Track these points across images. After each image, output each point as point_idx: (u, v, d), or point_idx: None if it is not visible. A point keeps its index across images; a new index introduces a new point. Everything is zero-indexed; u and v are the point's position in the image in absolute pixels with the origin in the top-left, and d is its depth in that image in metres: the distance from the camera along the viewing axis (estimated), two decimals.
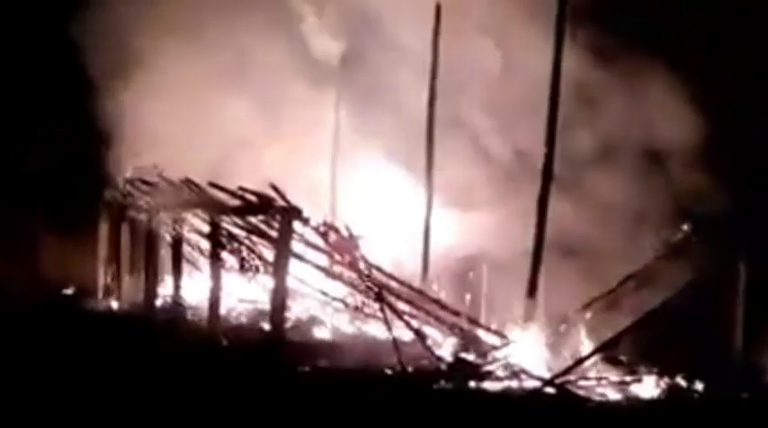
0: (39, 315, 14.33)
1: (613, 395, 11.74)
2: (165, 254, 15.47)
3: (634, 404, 11.46)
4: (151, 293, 15.40)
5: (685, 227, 12.88)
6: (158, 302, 15.55)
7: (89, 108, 16.36)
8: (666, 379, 11.89)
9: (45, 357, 11.60)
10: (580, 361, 12.11)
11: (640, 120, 13.58)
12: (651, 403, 11.49)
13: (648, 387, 11.84)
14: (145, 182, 15.49)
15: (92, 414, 9.47)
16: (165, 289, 15.56)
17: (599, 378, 12.02)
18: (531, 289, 13.42)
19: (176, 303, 14.87)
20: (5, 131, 17.58)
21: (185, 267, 15.27)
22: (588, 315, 12.85)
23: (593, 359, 12.12)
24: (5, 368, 10.98)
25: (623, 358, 12.15)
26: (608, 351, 12.03)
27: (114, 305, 16.53)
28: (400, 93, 15.83)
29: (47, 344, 12.25)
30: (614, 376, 12.06)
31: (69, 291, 17.35)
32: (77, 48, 16.64)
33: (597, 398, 11.60)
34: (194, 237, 15.51)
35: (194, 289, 15.59)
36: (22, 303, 14.77)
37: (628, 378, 11.98)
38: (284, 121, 16.22)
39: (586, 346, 12.43)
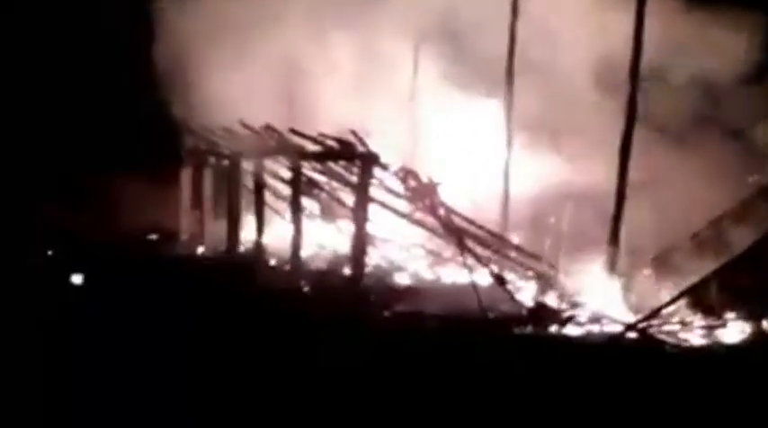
0: (125, 260, 14.64)
1: (697, 340, 11.61)
2: (247, 200, 15.60)
3: (718, 349, 11.32)
4: (234, 239, 15.61)
5: None
6: (241, 247, 15.74)
7: (170, 56, 16.47)
8: (752, 324, 11.72)
9: (132, 301, 11.86)
10: (663, 305, 11.99)
11: (729, 55, 13.21)
12: (735, 348, 11.33)
13: (733, 332, 11.68)
14: (227, 130, 15.63)
15: (176, 355, 9.72)
16: (247, 235, 15.74)
17: (682, 323, 11.89)
18: (614, 233, 13.28)
19: (259, 248, 15.04)
20: (84, 81, 17.83)
21: (267, 213, 15.42)
22: (673, 258, 12.68)
23: (676, 303, 11.98)
24: (96, 313, 11.31)
25: (708, 302, 11.97)
26: (692, 295, 11.87)
27: (198, 250, 16.78)
28: (479, 34, 15.63)
29: (134, 289, 12.50)
30: (698, 321, 11.92)
31: (154, 237, 17.65)
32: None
33: (680, 343, 11.49)
34: (275, 184, 15.64)
35: (276, 234, 15.75)
36: (108, 249, 15.08)
37: (712, 323, 11.83)
38: (363, 68, 16.16)
39: (670, 290, 12.28)
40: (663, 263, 12.74)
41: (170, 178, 17.37)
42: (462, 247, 13.09)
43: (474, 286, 12.49)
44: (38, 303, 11.61)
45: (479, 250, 13.55)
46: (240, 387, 8.76)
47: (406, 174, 13.89)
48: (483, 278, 13.04)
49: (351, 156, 13.66)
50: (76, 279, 13.81)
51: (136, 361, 9.45)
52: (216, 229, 16.43)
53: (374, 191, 13.67)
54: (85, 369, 9.20)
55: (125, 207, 16.86)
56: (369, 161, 13.23)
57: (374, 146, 13.43)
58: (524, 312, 12.41)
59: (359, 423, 8.27)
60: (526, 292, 13.30)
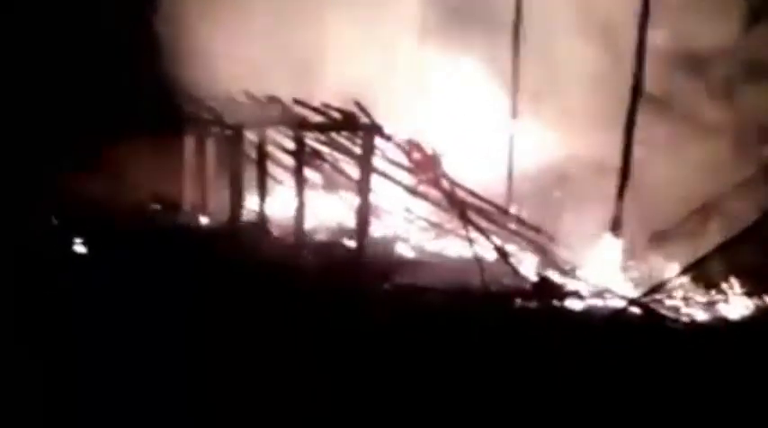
0: (128, 229, 14.64)
1: (700, 315, 11.58)
2: (250, 171, 15.56)
3: (721, 324, 11.30)
4: (236, 209, 15.58)
5: None
6: (243, 218, 15.72)
7: (174, 24, 16.38)
8: (756, 300, 11.69)
9: (135, 271, 11.87)
10: (666, 280, 11.97)
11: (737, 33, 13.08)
12: (739, 324, 11.31)
13: (737, 307, 11.65)
14: (230, 99, 15.57)
15: (177, 326, 9.72)
16: (249, 206, 15.71)
17: (685, 298, 11.86)
18: (618, 208, 13.23)
19: (261, 219, 15.02)
20: (87, 48, 17.73)
21: (270, 184, 15.38)
22: (677, 233, 12.65)
23: (679, 278, 11.95)
24: (99, 283, 11.31)
25: (712, 277, 11.93)
26: (696, 270, 11.84)
27: (200, 220, 16.77)
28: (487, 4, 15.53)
29: (137, 259, 12.50)
30: (701, 296, 11.89)
31: (156, 207, 17.63)
32: None
33: (682, 319, 11.47)
34: (279, 154, 15.60)
35: (279, 205, 15.74)
36: (111, 217, 15.07)
37: (715, 298, 11.81)
38: (367, 39, 16.03)
39: (674, 265, 12.26)
40: (666, 238, 12.72)
41: (173, 148, 17.32)
42: (465, 220, 13.06)
43: (477, 259, 12.47)
44: (40, 272, 11.65)
45: (482, 223, 13.50)
46: (241, 358, 8.78)
47: (410, 146, 13.83)
48: (486, 251, 13.01)
49: (354, 127, 13.60)
50: (80, 248, 13.83)
51: (137, 332, 9.47)
52: (219, 199, 16.39)
53: (378, 163, 13.62)
54: (86, 339, 9.21)
55: (128, 176, 16.83)
56: (372, 132, 13.17)
57: (378, 117, 13.36)
58: (527, 286, 12.39)
59: (360, 396, 8.27)
60: (529, 266, 13.27)
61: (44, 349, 8.93)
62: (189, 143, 17.27)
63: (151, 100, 17.46)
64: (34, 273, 11.43)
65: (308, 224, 14.72)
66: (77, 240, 13.97)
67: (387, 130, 13.41)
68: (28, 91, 17.38)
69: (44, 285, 11.00)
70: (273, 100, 14.59)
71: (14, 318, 9.67)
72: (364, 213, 13.20)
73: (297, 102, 14.15)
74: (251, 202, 15.58)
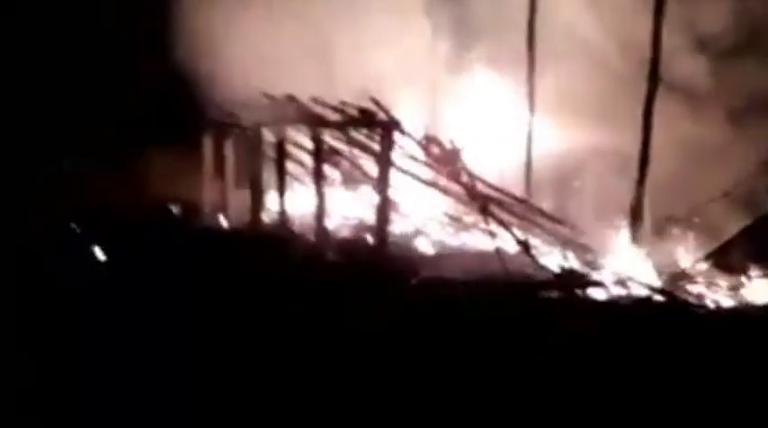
0: (148, 232, 14.68)
1: (724, 300, 11.56)
2: (270, 171, 15.60)
3: (746, 309, 11.28)
4: (257, 209, 15.61)
5: None
6: (264, 217, 15.76)
7: (193, 25, 16.41)
8: None
9: (156, 276, 11.91)
10: (690, 266, 11.96)
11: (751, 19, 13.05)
12: (764, 308, 11.28)
13: (761, 292, 11.62)
14: (249, 100, 15.61)
15: (199, 329, 9.78)
16: (270, 205, 15.76)
17: (709, 284, 11.85)
18: (639, 195, 13.21)
19: (282, 218, 15.06)
20: (104, 48, 17.76)
21: (290, 182, 15.42)
22: (698, 219, 12.64)
23: (703, 264, 11.94)
24: (119, 289, 11.37)
25: (735, 262, 11.91)
26: (720, 255, 11.82)
27: (221, 220, 16.82)
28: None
29: (158, 263, 12.54)
30: (725, 281, 11.87)
31: (175, 208, 17.67)
32: None
33: (707, 305, 11.45)
34: (297, 154, 15.63)
35: (299, 204, 15.77)
36: (130, 220, 15.12)
37: (739, 283, 11.78)
38: (384, 35, 16.05)
39: (697, 251, 12.24)
40: (689, 224, 12.71)
41: (192, 149, 17.34)
42: (486, 213, 13.06)
43: (499, 252, 12.48)
44: (55, 277, 11.71)
45: (504, 216, 13.51)
46: (265, 357, 8.83)
47: (428, 141, 13.85)
48: (508, 244, 13.02)
49: (372, 124, 13.62)
50: (100, 254, 13.89)
51: (157, 335, 9.53)
52: (238, 200, 16.42)
53: (397, 159, 13.64)
54: (104, 344, 9.28)
55: (147, 178, 16.87)
56: (390, 128, 13.18)
57: (396, 114, 13.38)
58: (550, 277, 12.39)
59: (385, 392, 8.31)
60: (551, 257, 13.27)
61: (58, 355, 9.00)
62: (208, 144, 17.29)
63: (170, 100, 17.52)
64: (48, 280, 11.48)
65: (330, 222, 14.76)
66: (96, 246, 14.00)
67: (405, 126, 13.42)
68: (46, 90, 17.44)
69: (59, 292, 11.04)
70: (291, 99, 14.62)
71: (23, 326, 9.74)
72: (385, 210, 13.21)
73: (314, 100, 14.19)
74: (271, 202, 15.62)
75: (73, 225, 15.13)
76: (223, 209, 16.86)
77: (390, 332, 9.76)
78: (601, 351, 9.05)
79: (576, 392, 8.23)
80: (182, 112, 17.15)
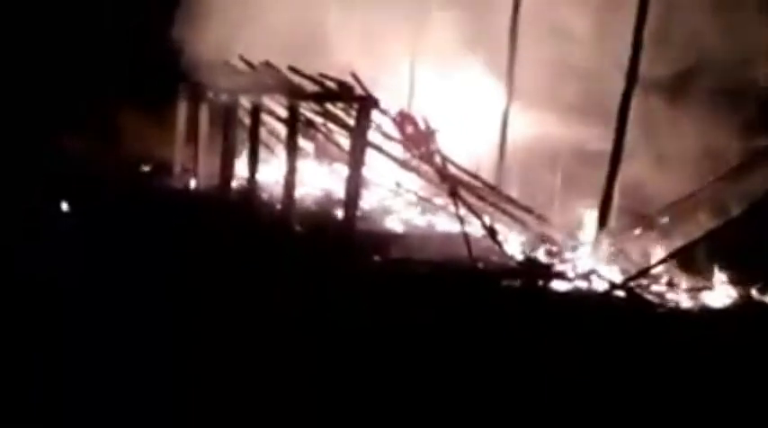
0: (116, 187, 14.61)
1: (684, 302, 11.66)
2: (243, 137, 15.52)
3: (704, 312, 11.38)
4: (227, 174, 15.54)
5: None
6: (233, 184, 15.70)
7: None
8: (739, 290, 11.77)
9: (121, 232, 11.87)
10: (652, 266, 12.04)
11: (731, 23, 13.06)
12: (721, 312, 11.39)
13: (721, 296, 11.74)
14: (226, 65, 15.50)
15: (163, 288, 9.74)
16: (240, 172, 15.70)
17: (670, 285, 11.94)
18: (608, 191, 13.26)
19: (251, 185, 15.00)
20: (82, 9, 17.62)
21: (261, 152, 15.35)
22: (665, 219, 12.71)
23: (665, 264, 12.03)
24: (84, 242, 11.30)
25: (698, 265, 11.99)
26: (682, 257, 11.90)
27: (190, 182, 16.75)
28: None
29: (124, 220, 12.50)
30: (686, 283, 11.97)
31: (147, 168, 17.59)
32: None
33: (666, 305, 11.54)
34: (272, 123, 15.56)
35: (269, 173, 15.73)
36: (100, 176, 15.03)
37: (699, 286, 11.88)
38: (367, 13, 15.98)
39: (660, 251, 12.32)
40: (655, 224, 12.79)
41: (166, 111, 17.26)
42: (456, 197, 13.08)
43: (465, 236, 12.51)
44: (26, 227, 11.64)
45: (472, 200, 13.54)
46: (228, 324, 8.81)
47: (403, 119, 13.83)
48: (475, 229, 13.05)
49: (350, 99, 13.59)
50: (65, 206, 13.79)
51: (122, 294, 9.47)
52: (210, 164, 16.35)
53: (371, 136, 13.61)
54: (70, 301, 9.22)
55: (120, 137, 16.79)
56: (367, 104, 13.14)
57: (374, 90, 13.34)
58: (514, 265, 12.45)
59: (345, 366, 8.31)
60: (517, 245, 13.32)
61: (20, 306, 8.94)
62: (183, 106, 17.18)
63: (146, 62, 17.39)
64: (13, 230, 11.41)
65: (298, 193, 14.72)
66: (61, 199, 13.89)
67: (382, 104, 13.39)
68: (21, 51, 17.29)
69: (24, 242, 10.98)
70: (269, 66, 14.54)
71: None
72: (355, 185, 13.19)
73: (292, 69, 14.11)
74: (242, 169, 15.55)
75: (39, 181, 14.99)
76: (194, 171, 16.79)
77: (352, 306, 9.75)
78: (557, 343, 9.09)
79: (529, 381, 8.26)
80: (158, 74, 17.05)
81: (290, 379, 7.72)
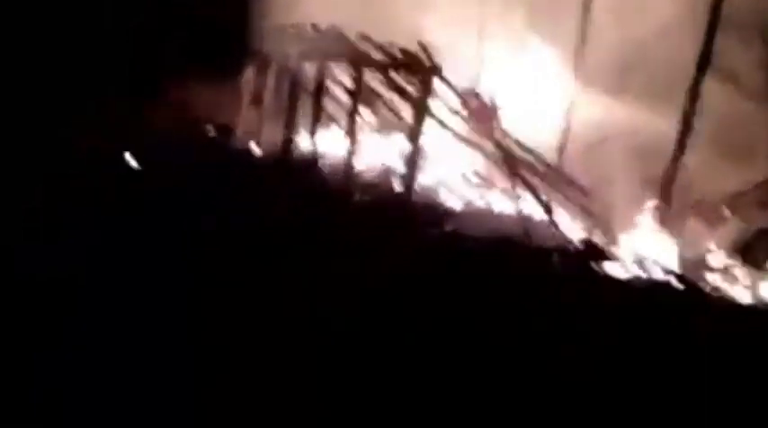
0: (181, 148, 14.78)
1: (741, 292, 11.46)
2: (307, 104, 15.56)
3: (761, 306, 11.18)
4: (289, 139, 15.61)
5: None
6: (295, 150, 15.76)
7: None
8: None
9: (185, 189, 12.01)
10: (710, 255, 11.86)
11: None
12: None
13: None
14: (294, 29, 15.53)
15: (224, 249, 9.84)
16: (302, 138, 15.76)
17: (727, 275, 11.74)
18: (669, 179, 13.06)
19: (313, 152, 15.05)
20: None
21: (324, 120, 15.38)
22: (731, 210, 12.49)
23: (724, 254, 11.84)
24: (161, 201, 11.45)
25: (757, 255, 11.77)
26: (745, 249, 11.70)
27: (253, 147, 16.86)
28: None
29: (187, 174, 12.64)
30: (744, 273, 11.76)
31: (212, 131, 17.76)
32: None
33: (724, 297, 11.36)
34: (336, 90, 15.56)
35: (331, 142, 15.75)
36: (170, 140, 15.21)
37: (758, 277, 11.67)
38: None
39: (722, 241, 12.12)
40: (718, 212, 12.56)
41: (233, 75, 17.39)
42: (515, 175, 12.98)
43: (522, 215, 12.42)
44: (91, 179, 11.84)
45: (532, 179, 13.41)
46: (287, 283, 8.88)
47: (469, 94, 13.73)
48: (533, 208, 12.95)
49: (414, 68, 13.49)
50: (131, 160, 14.00)
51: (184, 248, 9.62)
52: (273, 129, 16.43)
53: (434, 108, 13.53)
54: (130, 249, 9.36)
55: (187, 99, 16.96)
56: (431, 74, 13.03)
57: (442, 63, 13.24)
58: (570, 247, 12.32)
59: (396, 335, 8.32)
60: (575, 227, 13.19)
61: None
62: (249, 72, 17.29)
63: (215, 25, 17.53)
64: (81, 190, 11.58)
65: (359, 163, 14.73)
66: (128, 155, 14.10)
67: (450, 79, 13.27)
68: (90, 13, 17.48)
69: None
70: (337, 33, 14.52)
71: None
72: (414, 158, 13.14)
73: (361, 36, 14.07)
74: (304, 136, 15.60)
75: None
76: (256, 136, 16.89)
77: (406, 279, 9.74)
78: (607, 329, 8.99)
79: (576, 367, 8.19)
80: (226, 40, 17.18)
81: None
